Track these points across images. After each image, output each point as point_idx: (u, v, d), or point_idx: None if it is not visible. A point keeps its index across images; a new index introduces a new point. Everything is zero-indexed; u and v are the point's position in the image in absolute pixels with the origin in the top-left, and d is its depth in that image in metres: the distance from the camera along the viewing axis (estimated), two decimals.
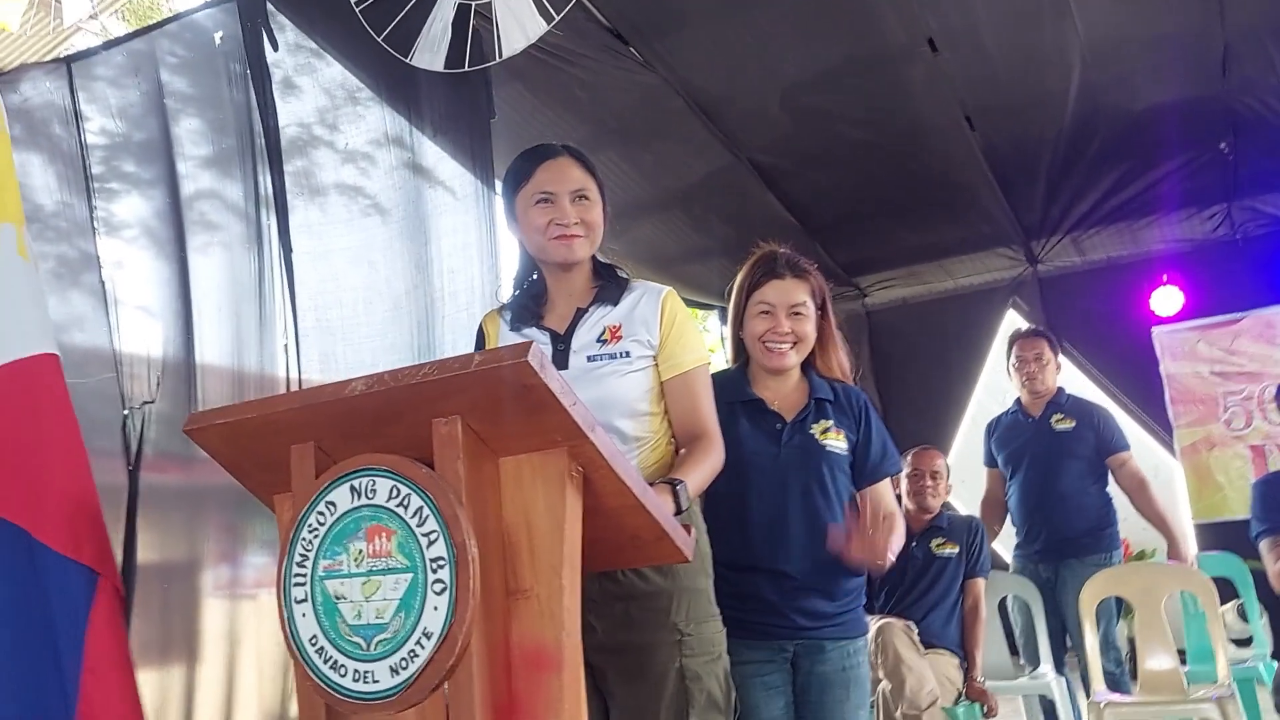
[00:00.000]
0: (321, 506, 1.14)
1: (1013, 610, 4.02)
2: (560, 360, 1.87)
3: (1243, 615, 4.26)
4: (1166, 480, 5.87)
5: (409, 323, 3.71)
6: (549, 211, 1.88)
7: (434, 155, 3.90)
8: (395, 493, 1.11)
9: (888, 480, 2.31)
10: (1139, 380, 5.91)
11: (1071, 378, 5.96)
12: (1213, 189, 5.57)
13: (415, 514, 1.09)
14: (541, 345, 1.84)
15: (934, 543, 3.61)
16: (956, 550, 3.57)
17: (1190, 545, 4.41)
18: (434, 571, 1.07)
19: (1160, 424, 5.92)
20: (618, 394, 1.84)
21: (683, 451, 1.86)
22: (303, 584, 1.14)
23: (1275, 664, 3.69)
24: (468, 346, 3.93)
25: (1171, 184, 5.41)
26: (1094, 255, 6.08)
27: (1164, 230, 5.86)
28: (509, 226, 1.99)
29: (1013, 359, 4.16)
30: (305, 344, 3.64)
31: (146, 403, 3.60)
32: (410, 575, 1.08)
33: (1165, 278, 5.81)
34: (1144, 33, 4.26)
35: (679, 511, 1.60)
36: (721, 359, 7.42)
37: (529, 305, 1.97)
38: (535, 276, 2.00)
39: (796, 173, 5.04)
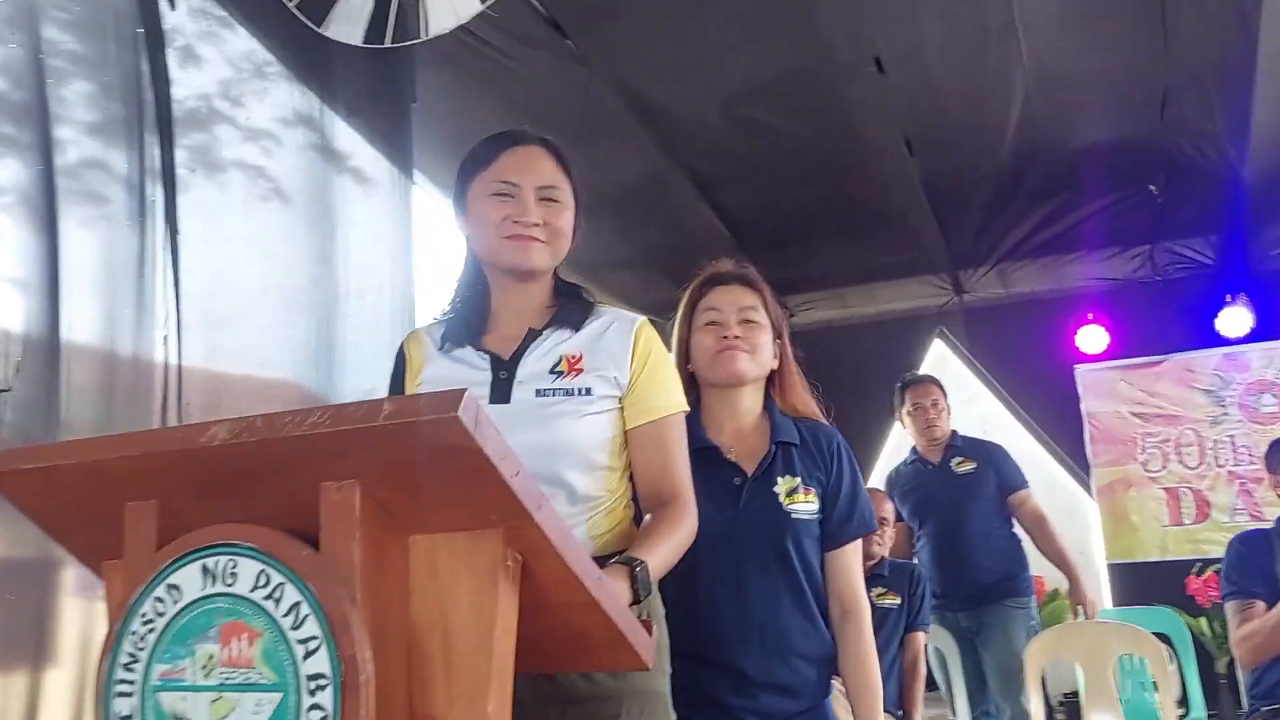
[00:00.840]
0: (161, 590, 0.84)
1: (933, 662, 3.86)
2: (501, 392, 1.51)
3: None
4: (1082, 520, 5.83)
5: (308, 320, 3.41)
6: (506, 206, 1.54)
7: (347, 139, 3.62)
8: (263, 580, 0.82)
9: (855, 547, 1.92)
10: (1059, 417, 5.86)
11: (994, 413, 5.91)
12: (1138, 229, 5.58)
13: (290, 611, 0.80)
14: (479, 370, 1.54)
15: (874, 593, 3.40)
16: (898, 601, 3.37)
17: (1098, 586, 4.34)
18: (312, 694, 0.78)
19: (1078, 463, 5.88)
20: (571, 440, 1.49)
21: (647, 519, 1.52)
22: (129, 694, 0.84)
23: None
24: (374, 349, 3.67)
25: (1099, 222, 5.40)
26: (1019, 288, 6.03)
27: (1088, 267, 5.85)
28: (456, 220, 1.64)
29: (907, 406, 4.04)
30: (189, 335, 3.31)
31: (2, 391, 3.22)
32: (279, 695, 0.79)
33: (1091, 316, 5.77)
34: (1089, 68, 4.19)
35: (636, 601, 1.31)
36: None
37: (469, 320, 1.60)
38: (480, 288, 1.63)
39: (732, 184, 4.86)
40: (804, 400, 1.96)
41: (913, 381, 4.13)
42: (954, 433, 4.02)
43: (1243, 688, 2.79)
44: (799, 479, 1.83)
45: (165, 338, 3.18)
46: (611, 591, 0.98)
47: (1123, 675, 3.86)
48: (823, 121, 4.37)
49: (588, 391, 1.52)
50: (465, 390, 0.77)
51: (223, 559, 0.83)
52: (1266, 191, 4.86)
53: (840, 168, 4.73)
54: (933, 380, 4.14)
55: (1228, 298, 5.48)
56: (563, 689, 1.41)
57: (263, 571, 0.82)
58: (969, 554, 3.79)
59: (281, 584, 0.81)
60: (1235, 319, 5.49)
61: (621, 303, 5.85)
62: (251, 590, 0.82)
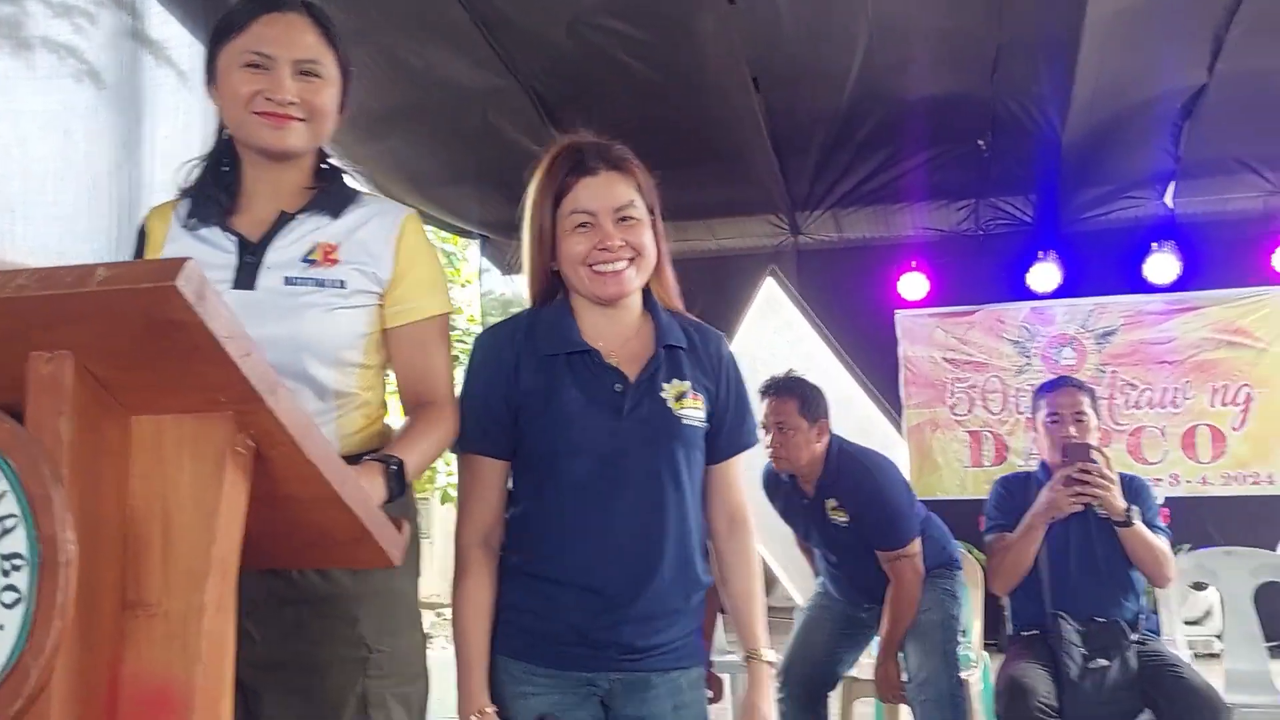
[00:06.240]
0: None
1: None
2: (246, 277, 1.42)
3: None
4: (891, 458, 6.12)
5: (110, 209, 3.20)
6: (258, 79, 1.40)
7: (159, 19, 3.37)
8: None
9: (740, 462, 1.75)
10: (879, 360, 6.11)
11: (817, 353, 6.08)
12: (965, 183, 5.80)
13: None
14: (225, 252, 1.43)
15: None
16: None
17: None
18: (5, 575, 0.73)
19: (892, 404, 6.16)
20: (320, 333, 1.41)
21: (405, 420, 1.48)
22: None
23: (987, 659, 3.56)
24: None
25: (929, 173, 5.58)
26: (850, 233, 6.21)
27: (915, 217, 6.07)
28: (206, 89, 1.49)
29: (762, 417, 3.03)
30: None
31: None
32: None
33: (914, 263, 5.99)
34: (928, 23, 4.31)
35: (391, 499, 1.27)
36: (476, 298, 7.00)
37: (216, 198, 1.47)
38: (231, 164, 1.50)
39: (573, 106, 4.77)
40: (675, 291, 1.73)
41: (767, 389, 3.12)
42: (828, 460, 3.07)
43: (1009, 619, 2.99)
44: (688, 383, 1.64)
45: None
46: (355, 485, 0.95)
47: None
48: (670, 50, 4.33)
49: (341, 284, 1.44)
50: (188, 259, 0.72)
51: None
52: (1080, 156, 5.12)
53: (685, 99, 4.70)
54: (791, 390, 3.10)
55: (1039, 254, 5.78)
56: (298, 589, 1.38)
57: None
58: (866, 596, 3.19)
59: None
60: (1045, 275, 5.81)
61: (453, 216, 5.73)
62: None
